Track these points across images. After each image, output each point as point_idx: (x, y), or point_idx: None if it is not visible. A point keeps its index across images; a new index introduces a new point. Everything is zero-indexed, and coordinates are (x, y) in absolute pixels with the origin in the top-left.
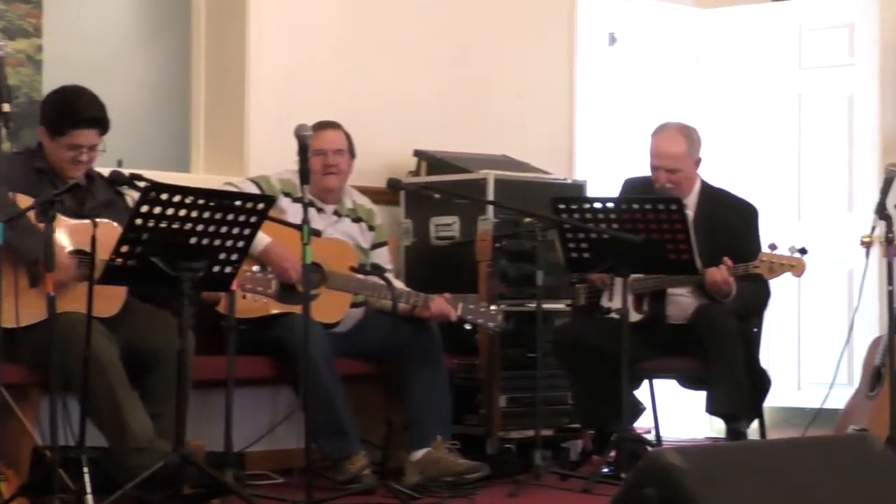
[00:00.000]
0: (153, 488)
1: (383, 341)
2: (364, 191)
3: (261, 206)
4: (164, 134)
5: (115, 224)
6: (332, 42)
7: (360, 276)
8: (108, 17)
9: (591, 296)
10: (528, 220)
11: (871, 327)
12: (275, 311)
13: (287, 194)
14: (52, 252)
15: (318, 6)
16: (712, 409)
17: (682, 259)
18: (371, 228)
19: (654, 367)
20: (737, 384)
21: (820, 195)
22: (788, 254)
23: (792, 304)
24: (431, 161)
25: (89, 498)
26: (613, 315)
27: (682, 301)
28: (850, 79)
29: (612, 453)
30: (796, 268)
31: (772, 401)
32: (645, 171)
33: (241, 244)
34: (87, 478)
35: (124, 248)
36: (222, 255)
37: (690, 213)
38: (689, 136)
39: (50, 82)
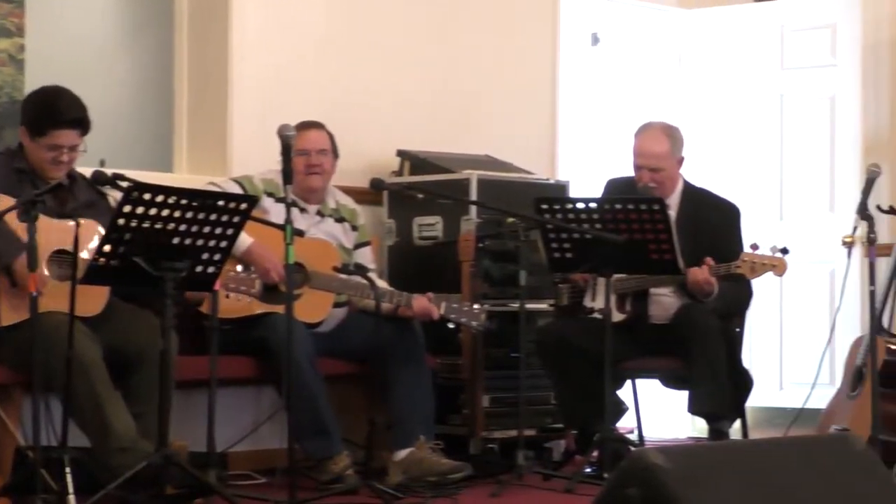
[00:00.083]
0: (136, 488)
1: (366, 341)
2: (347, 191)
3: (244, 206)
4: (147, 134)
5: (97, 224)
6: (315, 42)
7: (343, 276)
8: (91, 17)
9: (574, 296)
10: (510, 220)
11: (852, 327)
12: (258, 311)
13: (270, 194)
14: (35, 252)
15: (302, 6)
16: (694, 408)
17: (665, 259)
18: (354, 228)
19: (636, 366)
20: (719, 384)
21: (802, 195)
22: (770, 254)
23: (774, 305)
24: (414, 161)
25: (72, 498)
26: (596, 315)
27: (664, 301)
28: (833, 79)
29: (595, 453)
30: (778, 268)
31: (754, 401)
32: (628, 171)
33: (224, 244)
34: (69, 478)
35: (107, 248)
36: (205, 255)
37: (673, 212)
38: (672, 135)
39: (32, 82)
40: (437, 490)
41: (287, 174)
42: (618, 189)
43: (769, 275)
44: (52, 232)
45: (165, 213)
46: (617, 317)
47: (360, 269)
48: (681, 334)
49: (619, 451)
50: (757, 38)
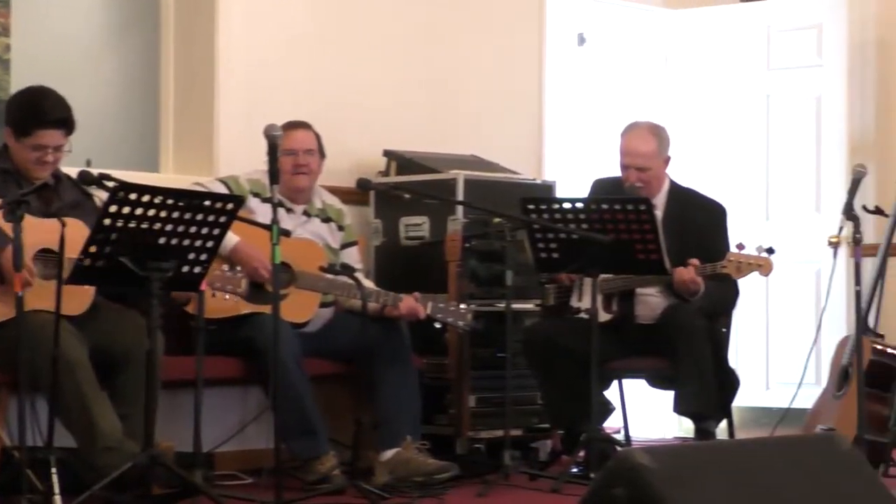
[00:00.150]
0: (122, 489)
1: (352, 341)
2: (334, 191)
3: (230, 206)
4: (133, 134)
5: (83, 223)
6: (302, 42)
7: (330, 276)
8: (77, 17)
9: (561, 296)
10: (497, 220)
11: (838, 327)
12: (244, 311)
13: (256, 194)
14: (20, 252)
15: (288, 6)
16: (680, 408)
17: (651, 259)
18: (340, 228)
19: (623, 367)
20: (705, 384)
21: (788, 195)
22: (756, 253)
23: (760, 305)
24: (401, 161)
25: (58, 498)
26: (583, 315)
27: (650, 301)
28: (819, 80)
29: (581, 453)
30: (764, 267)
31: (740, 400)
32: (614, 171)
33: (210, 244)
34: (55, 478)
35: (93, 249)
36: (191, 255)
37: (659, 212)
38: (658, 134)
39: (18, 82)
40: (424, 490)
41: (274, 174)
42: (604, 189)
43: (755, 275)
44: (38, 231)
45: (152, 213)
46: (603, 317)
47: (347, 269)
48: (667, 334)
49: (605, 451)
50: (743, 39)
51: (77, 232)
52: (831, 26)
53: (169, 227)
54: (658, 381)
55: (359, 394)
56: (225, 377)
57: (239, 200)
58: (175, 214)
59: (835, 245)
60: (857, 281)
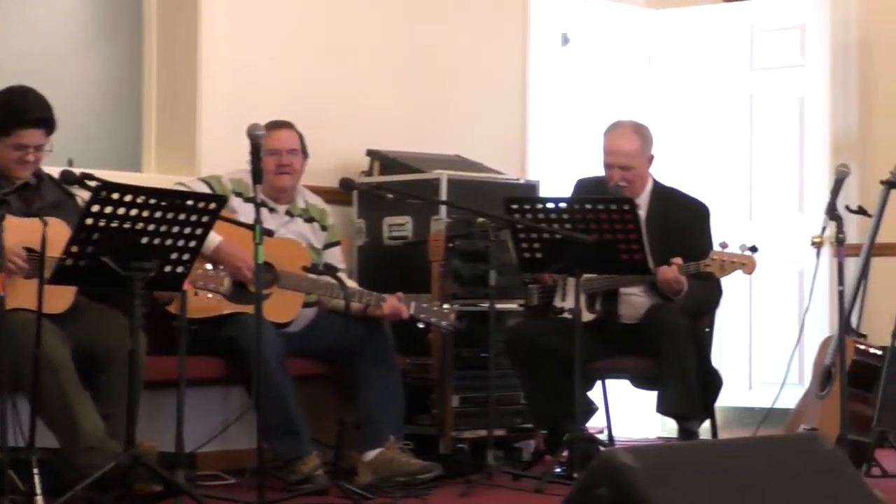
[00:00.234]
0: (104, 489)
1: (335, 341)
2: (317, 190)
3: (212, 205)
4: (116, 134)
5: (65, 223)
6: (285, 42)
7: (313, 276)
8: (60, 17)
9: (544, 296)
10: (480, 220)
11: (821, 327)
12: (227, 311)
13: (238, 194)
14: (2, 252)
15: (271, 6)
16: (663, 408)
17: (634, 259)
18: (323, 228)
19: (606, 366)
20: (688, 384)
21: (771, 195)
22: (739, 251)
23: (743, 305)
24: (384, 161)
25: (39, 499)
26: (566, 315)
27: (634, 301)
28: (802, 80)
29: (565, 453)
30: (747, 265)
31: (723, 400)
32: (597, 170)
33: (192, 244)
34: (36, 479)
35: (75, 248)
36: (174, 255)
37: (642, 212)
38: (641, 133)
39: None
40: (407, 490)
41: (257, 174)
42: (587, 189)
43: (738, 274)
44: (20, 231)
45: (134, 212)
46: (587, 317)
47: (330, 269)
48: (650, 334)
49: (588, 451)
50: (726, 39)
51: (59, 231)
52: (814, 26)
53: (151, 227)
54: (641, 381)
55: (342, 394)
56: (207, 377)
57: (221, 200)
58: (157, 214)
59: (818, 245)
60: (841, 281)
